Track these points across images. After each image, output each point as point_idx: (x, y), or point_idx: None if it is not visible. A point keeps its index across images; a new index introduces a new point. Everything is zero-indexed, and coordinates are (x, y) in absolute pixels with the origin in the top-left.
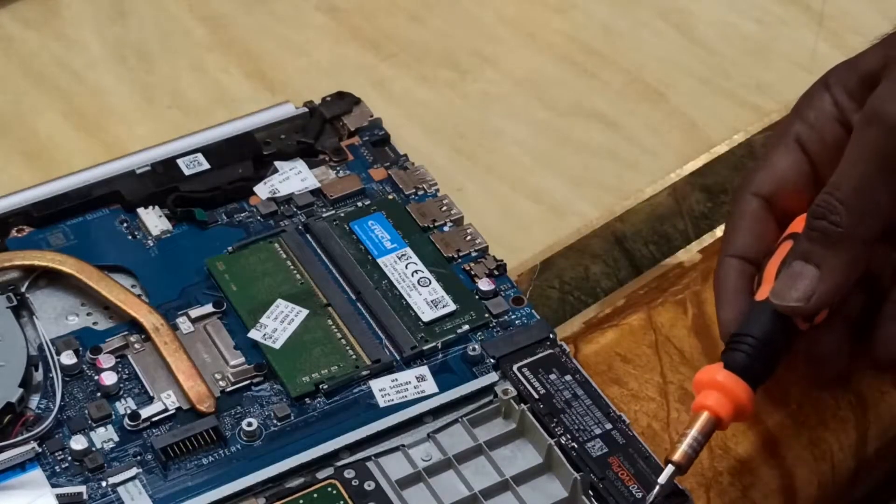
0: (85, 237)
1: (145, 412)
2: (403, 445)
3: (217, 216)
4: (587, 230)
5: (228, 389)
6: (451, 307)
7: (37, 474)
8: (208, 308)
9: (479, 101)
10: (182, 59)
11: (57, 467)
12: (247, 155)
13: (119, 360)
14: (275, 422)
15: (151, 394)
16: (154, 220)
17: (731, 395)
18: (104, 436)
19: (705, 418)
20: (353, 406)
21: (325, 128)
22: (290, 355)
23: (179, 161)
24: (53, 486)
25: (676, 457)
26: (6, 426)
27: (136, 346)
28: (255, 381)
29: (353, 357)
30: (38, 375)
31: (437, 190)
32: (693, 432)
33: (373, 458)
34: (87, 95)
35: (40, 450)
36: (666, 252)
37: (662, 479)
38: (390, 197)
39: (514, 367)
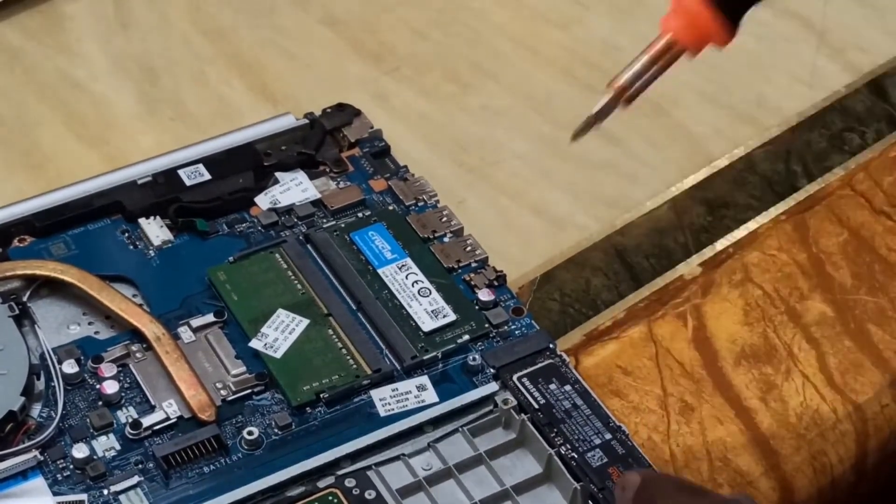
0: (87, 247)
1: (147, 421)
2: (404, 455)
3: (218, 226)
4: (588, 243)
5: (230, 398)
6: (452, 317)
7: (38, 482)
8: (209, 317)
9: (481, 114)
10: (184, 70)
11: (59, 475)
12: (248, 166)
13: (121, 369)
14: (276, 431)
15: (153, 402)
16: (155, 231)
17: (691, 17)
18: (106, 444)
19: (663, 40)
20: (354, 415)
21: (325, 139)
22: (291, 365)
23: (181, 172)
24: (55, 494)
25: (616, 83)
26: (8, 434)
27: (138, 355)
28: (256, 390)
29: (354, 366)
30: (40, 384)
31: (437, 201)
32: (643, 57)
33: (373, 467)
34: (89, 107)
35: (42, 458)
36: (666, 265)
37: (595, 107)
38: (391, 208)
39: (514, 377)
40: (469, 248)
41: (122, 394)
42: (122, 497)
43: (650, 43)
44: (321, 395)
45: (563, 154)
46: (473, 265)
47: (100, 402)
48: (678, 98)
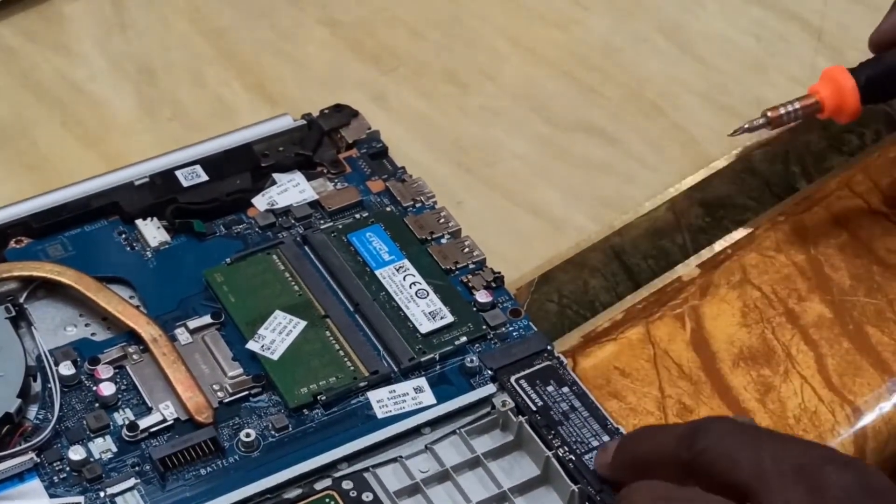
0: (83, 248)
1: (143, 423)
2: (401, 457)
3: (215, 228)
4: (586, 244)
5: (227, 400)
6: (449, 319)
7: (35, 485)
8: (206, 319)
9: (479, 115)
10: (182, 71)
11: (55, 478)
12: (245, 167)
13: (117, 370)
14: (273, 433)
15: (150, 404)
16: (152, 232)
17: (840, 93)
18: (102, 446)
19: (811, 99)
20: (351, 417)
21: (323, 140)
22: (288, 366)
23: (178, 173)
24: (52, 496)
25: (772, 112)
26: (4, 437)
27: (135, 356)
28: (253, 392)
29: (351, 368)
30: (37, 386)
31: (435, 202)
32: (796, 103)
33: (370, 469)
34: (87, 107)
35: (38, 460)
36: (664, 266)
37: (750, 122)
38: (388, 209)
39: (512, 379)
40: (467, 250)
41: (119, 396)
42: (118, 499)
43: (803, 96)
44: (318, 397)
45: (561, 155)
46: (471, 266)
47: (96, 404)
48: (676, 99)
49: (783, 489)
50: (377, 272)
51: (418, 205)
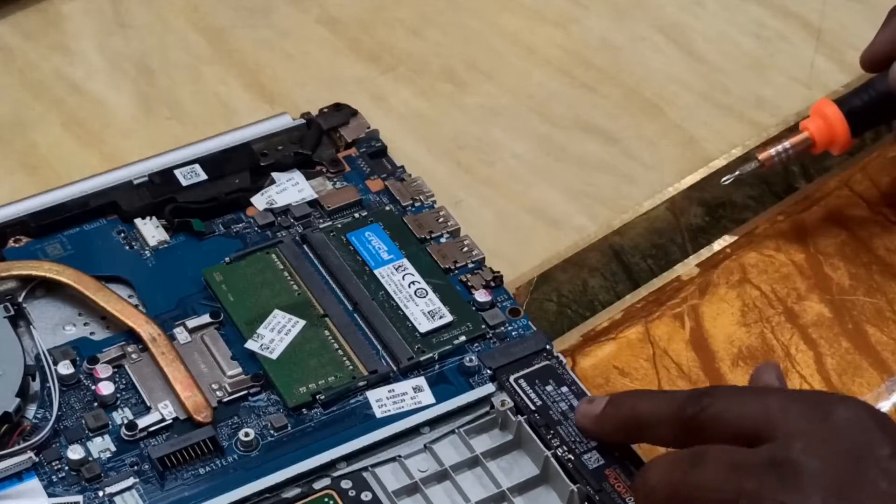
0: (82, 248)
1: (142, 422)
2: (400, 456)
3: (214, 227)
4: (585, 243)
5: (225, 400)
6: (448, 318)
7: (34, 484)
8: (205, 318)
9: (478, 114)
10: (181, 70)
11: (54, 477)
12: (244, 166)
13: (116, 370)
14: (272, 432)
15: (148, 404)
16: (151, 231)
17: (829, 126)
18: (101, 445)
19: (801, 136)
20: (350, 416)
21: (322, 139)
22: (287, 366)
23: (177, 172)
24: (50, 495)
25: (762, 155)
26: (3, 436)
27: (134, 356)
28: (252, 391)
29: (350, 368)
30: (36, 385)
31: (434, 201)
32: (787, 142)
33: (369, 468)
34: (86, 106)
35: (37, 459)
36: (664, 266)
37: (741, 169)
38: (387, 208)
39: (511, 379)
40: (466, 249)
41: (118, 395)
42: (117, 499)
43: (793, 135)
44: (317, 397)
45: (560, 154)
46: (470, 266)
47: (95, 404)
48: (676, 98)
49: (794, 424)
50: (376, 271)
51: (417, 204)
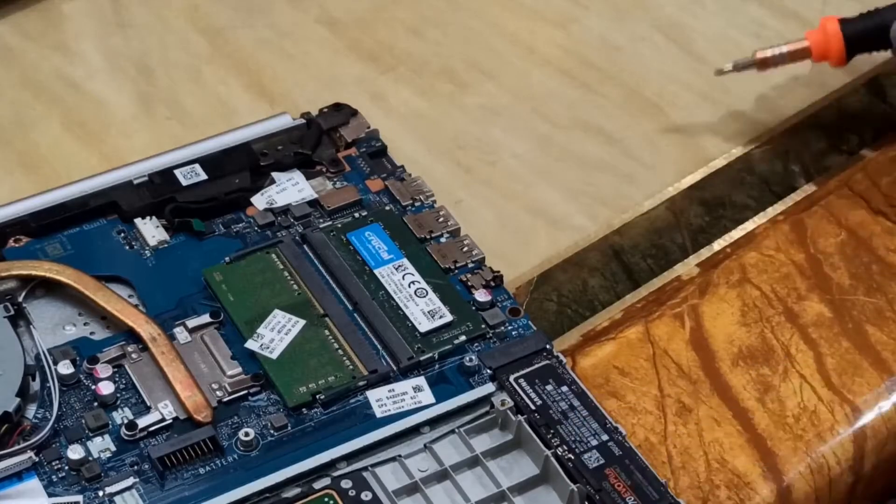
0: (82, 247)
1: (142, 422)
2: (400, 456)
3: (214, 227)
4: (585, 243)
5: (225, 399)
6: (448, 318)
7: (34, 484)
8: (205, 318)
9: (478, 114)
10: (181, 70)
11: (54, 477)
12: (244, 166)
13: (116, 369)
14: (272, 432)
15: (148, 403)
16: (151, 231)
17: (827, 41)
18: (101, 445)
19: (800, 43)
20: (350, 416)
21: (322, 139)
22: (287, 365)
23: (177, 172)
24: (50, 495)
25: (760, 53)
26: (3, 436)
27: (134, 356)
28: (252, 391)
29: (350, 367)
30: (35, 385)
31: (434, 201)
32: (785, 47)
33: (369, 468)
34: (86, 106)
35: (37, 459)
36: (664, 265)
37: (736, 61)
38: (387, 208)
39: (511, 378)
40: (466, 249)
41: (118, 395)
42: (117, 498)
43: (793, 41)
44: (317, 396)
45: (560, 154)
46: (470, 266)
47: (95, 403)
48: (676, 98)
49: None
50: (376, 271)
51: (417, 204)
